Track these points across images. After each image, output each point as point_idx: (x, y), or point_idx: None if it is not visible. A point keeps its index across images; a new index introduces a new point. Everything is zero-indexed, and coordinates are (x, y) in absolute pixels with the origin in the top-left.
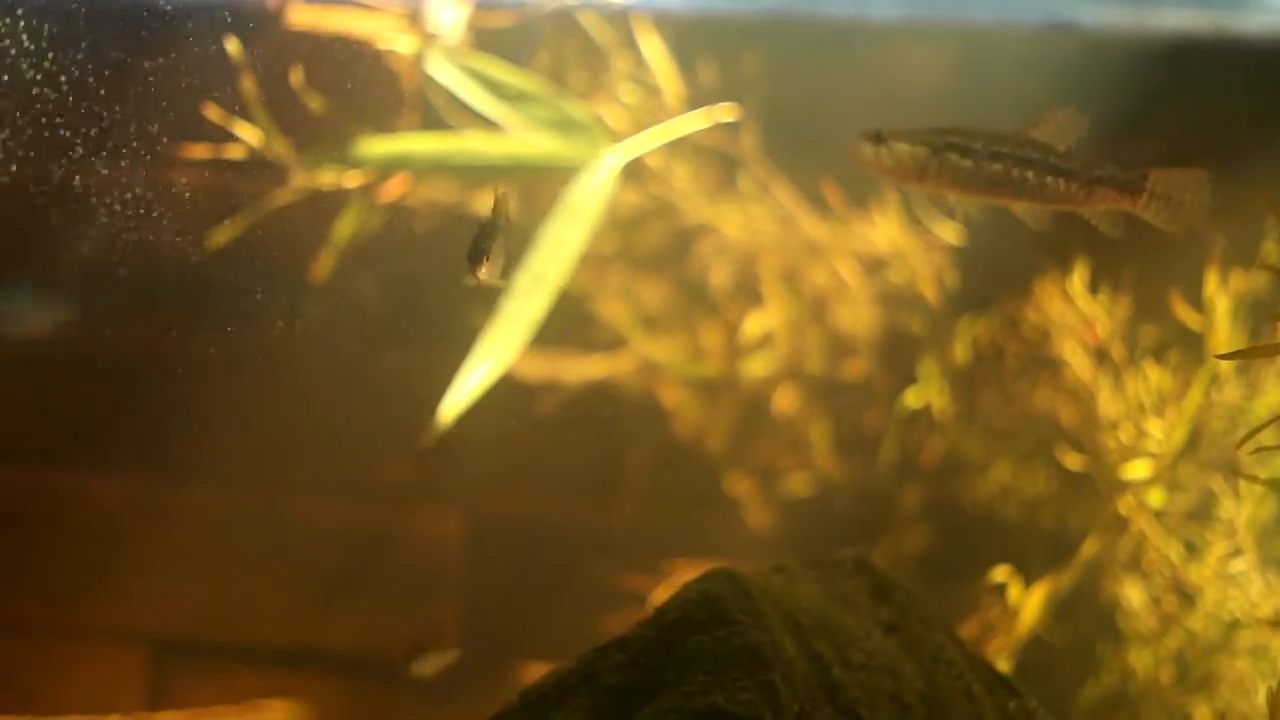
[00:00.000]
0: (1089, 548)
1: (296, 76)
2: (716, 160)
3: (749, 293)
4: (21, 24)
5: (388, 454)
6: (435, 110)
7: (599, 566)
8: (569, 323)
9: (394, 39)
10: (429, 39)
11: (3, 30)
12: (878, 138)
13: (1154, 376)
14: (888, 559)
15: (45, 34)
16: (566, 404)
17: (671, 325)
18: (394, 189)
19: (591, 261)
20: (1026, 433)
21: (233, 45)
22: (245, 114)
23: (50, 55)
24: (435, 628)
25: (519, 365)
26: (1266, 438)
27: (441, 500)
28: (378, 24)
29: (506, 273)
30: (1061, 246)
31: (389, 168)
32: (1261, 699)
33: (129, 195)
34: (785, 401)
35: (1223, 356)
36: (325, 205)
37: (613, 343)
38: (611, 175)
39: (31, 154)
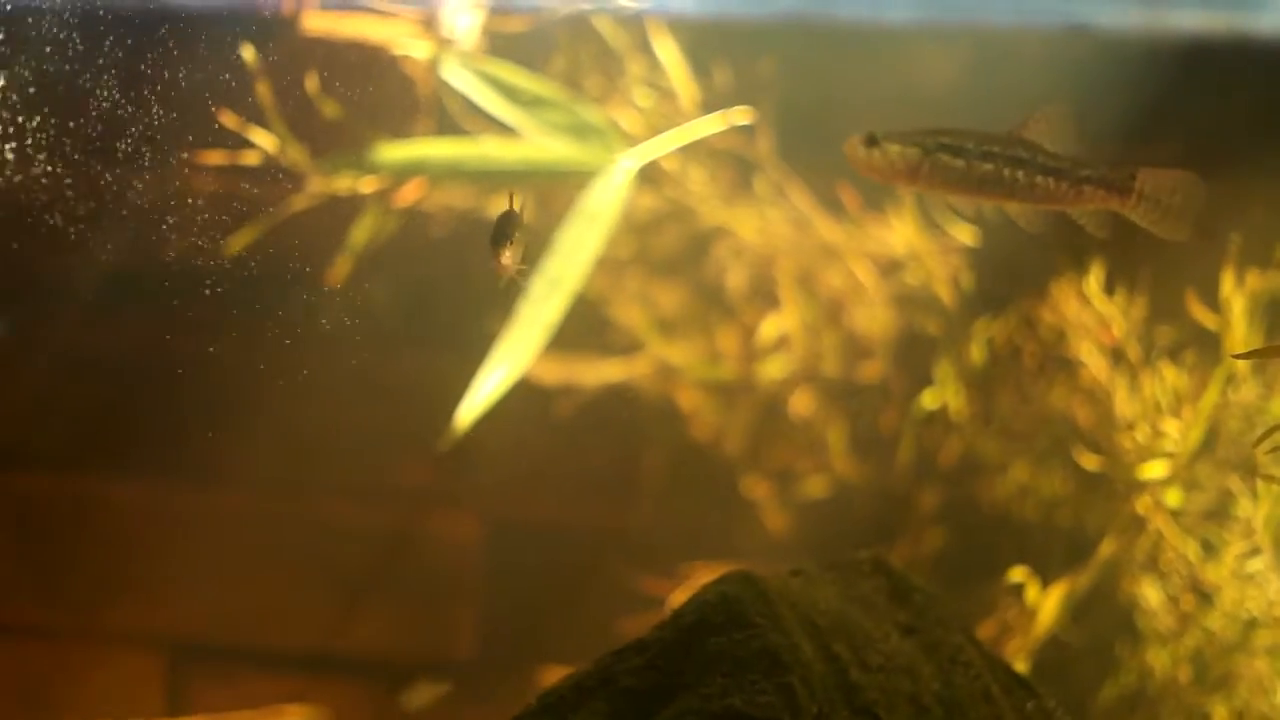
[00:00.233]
0: (1106, 548)
1: (312, 82)
2: (732, 163)
3: (765, 295)
4: (37, 29)
5: (405, 458)
6: (450, 115)
7: (617, 569)
8: (585, 326)
9: (409, 44)
10: (444, 44)
11: (16, 34)
12: (871, 140)
13: (1170, 376)
14: (905, 560)
15: (59, 39)
16: (583, 407)
17: (688, 328)
18: (409, 194)
19: (608, 265)
20: (1043, 433)
21: (248, 51)
22: (261, 120)
23: (64, 61)
24: (452, 631)
25: (536, 369)
26: None
27: (459, 504)
28: (393, 29)
29: (526, 267)
30: (1077, 247)
31: (404, 173)
32: None
33: (145, 201)
34: (802, 404)
35: (1239, 356)
36: (341, 211)
37: (629, 346)
38: (627, 179)
39: (48, 160)
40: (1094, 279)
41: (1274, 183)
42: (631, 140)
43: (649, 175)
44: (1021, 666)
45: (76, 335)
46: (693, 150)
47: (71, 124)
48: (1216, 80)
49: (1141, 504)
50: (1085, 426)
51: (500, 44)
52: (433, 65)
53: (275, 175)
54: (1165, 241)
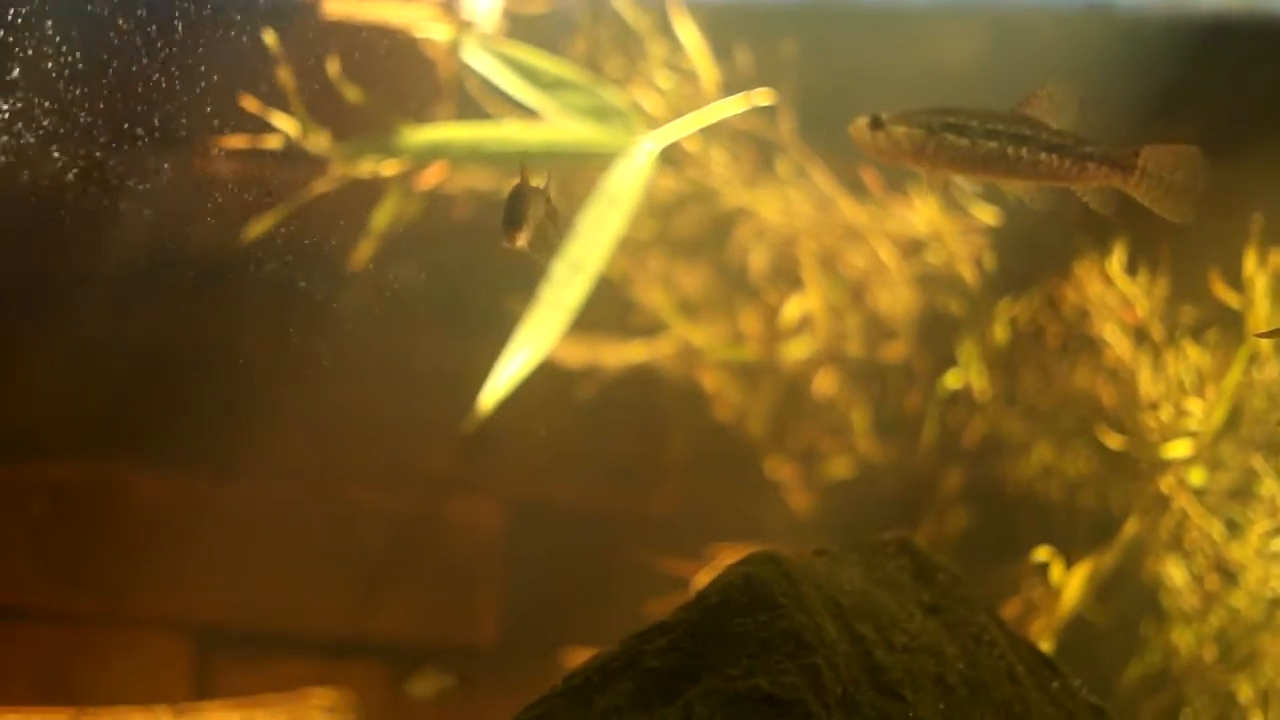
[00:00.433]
0: (1131, 527)
1: (333, 66)
2: (754, 145)
3: (788, 276)
4: (58, 14)
5: (428, 442)
6: (472, 98)
7: (640, 551)
8: (608, 308)
9: (430, 27)
10: (464, 27)
11: (39, 20)
12: (876, 122)
13: (1194, 356)
14: (929, 540)
15: (81, 24)
16: (607, 389)
17: (711, 309)
18: (431, 177)
19: (630, 247)
20: (1067, 413)
21: (269, 36)
22: (282, 104)
23: (86, 46)
24: (476, 615)
25: (559, 351)
26: None
27: (482, 488)
28: (413, 13)
29: (543, 244)
30: (1099, 227)
31: (426, 156)
32: None
33: (166, 187)
34: (825, 384)
35: (1263, 335)
36: (363, 194)
37: (652, 328)
38: (649, 161)
39: (72, 146)
40: (1117, 258)
41: None
42: (653, 122)
43: (671, 157)
44: (1046, 646)
45: (100, 323)
46: (714, 132)
47: (93, 109)
48: (1237, 59)
49: (1165, 483)
50: (1109, 406)
51: (521, 26)
52: (453, 48)
53: (297, 159)
54: (1188, 221)
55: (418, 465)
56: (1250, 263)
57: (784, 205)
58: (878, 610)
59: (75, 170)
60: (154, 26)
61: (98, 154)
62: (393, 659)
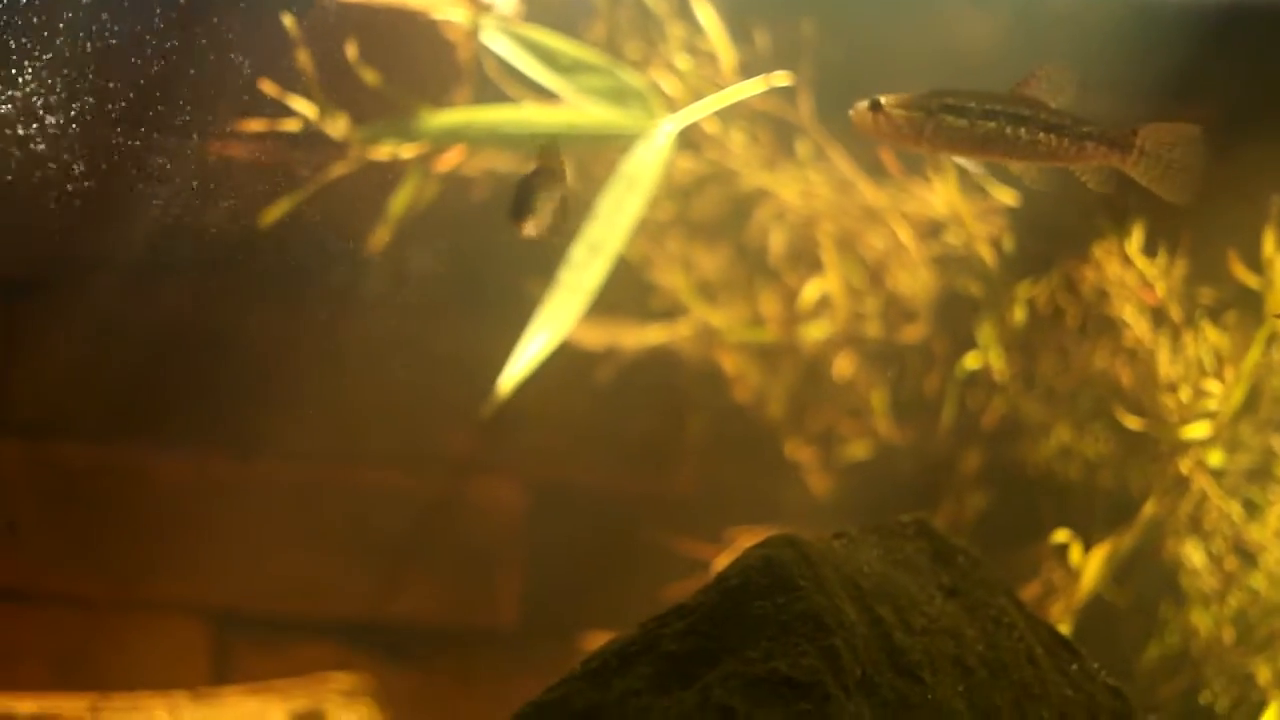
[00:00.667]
0: (1149, 509)
1: (351, 49)
2: (773, 126)
3: (807, 258)
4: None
5: (448, 425)
6: (491, 81)
7: (660, 534)
8: (628, 290)
9: (448, 10)
10: (483, 9)
11: (57, 6)
12: (875, 105)
13: (1212, 337)
14: (948, 522)
15: (100, 8)
16: (626, 372)
17: (730, 291)
18: (450, 160)
19: (649, 229)
20: (1086, 394)
21: (288, 19)
22: (301, 87)
23: (106, 30)
24: (496, 598)
25: (578, 334)
26: None
27: (502, 471)
28: None
29: (557, 228)
30: (1118, 208)
31: (445, 139)
32: None
33: (186, 170)
34: (844, 366)
35: None
36: (382, 177)
37: (672, 310)
38: (668, 143)
39: (89, 130)
40: (1135, 239)
41: None
42: (672, 104)
43: (690, 139)
44: (1065, 628)
45: (117, 305)
46: (734, 113)
47: (111, 94)
48: (1255, 42)
49: (1184, 464)
50: (1128, 387)
51: (539, 9)
52: (472, 31)
53: (316, 143)
54: (1207, 202)
55: (437, 448)
56: (1269, 244)
57: (803, 187)
58: (897, 592)
59: (91, 155)
60: (171, 9)
61: (113, 138)
62: (413, 642)
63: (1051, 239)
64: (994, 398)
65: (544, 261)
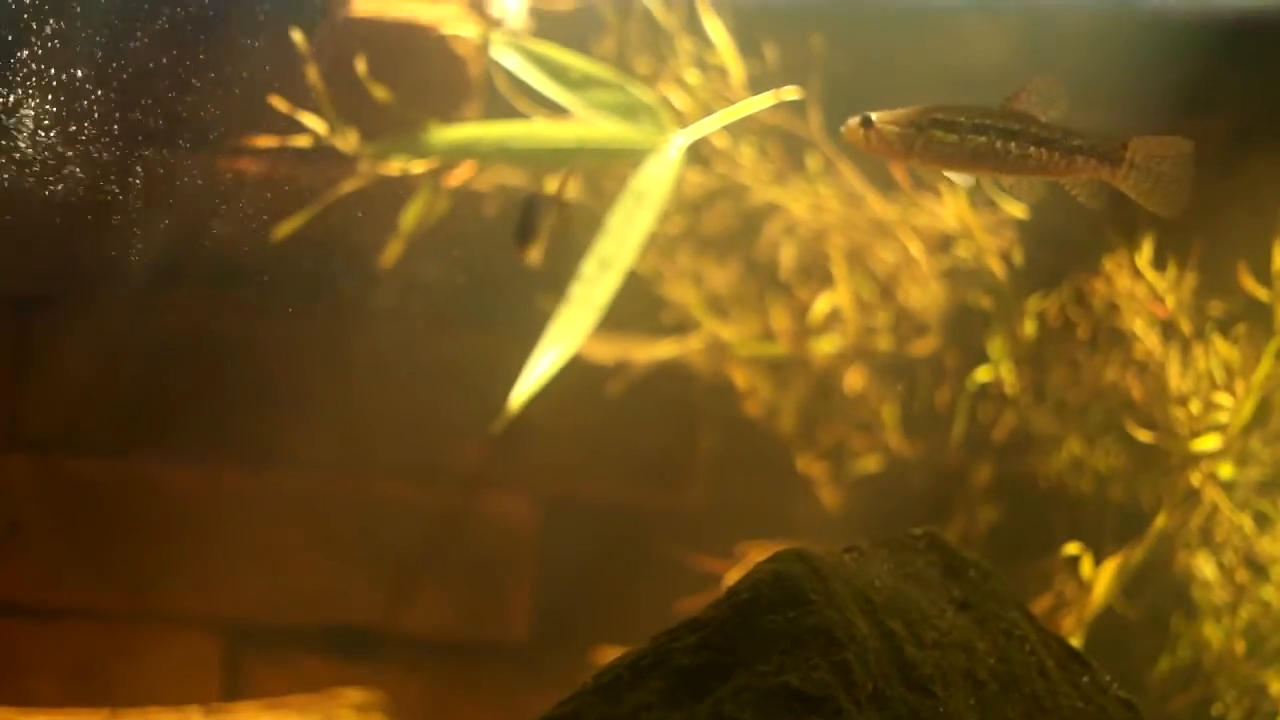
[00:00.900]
0: (1160, 521)
1: (361, 65)
2: (783, 140)
3: (818, 272)
4: (88, 15)
5: (459, 438)
6: (501, 96)
7: (671, 548)
8: (639, 305)
9: (458, 25)
10: (493, 25)
11: (70, 21)
12: (866, 121)
13: (1223, 350)
14: (959, 535)
15: (111, 25)
16: (637, 386)
17: (741, 305)
18: (461, 175)
19: (660, 243)
20: (1097, 407)
21: (297, 35)
22: (311, 103)
23: (117, 45)
24: (507, 612)
25: (589, 348)
26: None
27: (513, 484)
28: (441, 11)
29: (557, 251)
30: (1128, 220)
31: (455, 155)
32: None
33: (198, 185)
34: (855, 380)
35: None
36: (393, 192)
37: (682, 324)
38: (678, 158)
39: (102, 144)
40: (1145, 253)
41: None
42: (682, 119)
43: (700, 153)
44: (1076, 641)
45: (128, 319)
46: (743, 128)
47: (119, 107)
48: (1268, 54)
49: (1195, 477)
50: (1138, 400)
51: (549, 24)
52: (482, 46)
53: (326, 158)
54: (1217, 214)
55: (449, 461)
56: (1279, 256)
57: (813, 201)
58: (908, 606)
59: (102, 171)
60: (182, 25)
61: (124, 154)
62: (425, 657)
63: (1061, 252)
64: (1005, 411)
65: (555, 276)
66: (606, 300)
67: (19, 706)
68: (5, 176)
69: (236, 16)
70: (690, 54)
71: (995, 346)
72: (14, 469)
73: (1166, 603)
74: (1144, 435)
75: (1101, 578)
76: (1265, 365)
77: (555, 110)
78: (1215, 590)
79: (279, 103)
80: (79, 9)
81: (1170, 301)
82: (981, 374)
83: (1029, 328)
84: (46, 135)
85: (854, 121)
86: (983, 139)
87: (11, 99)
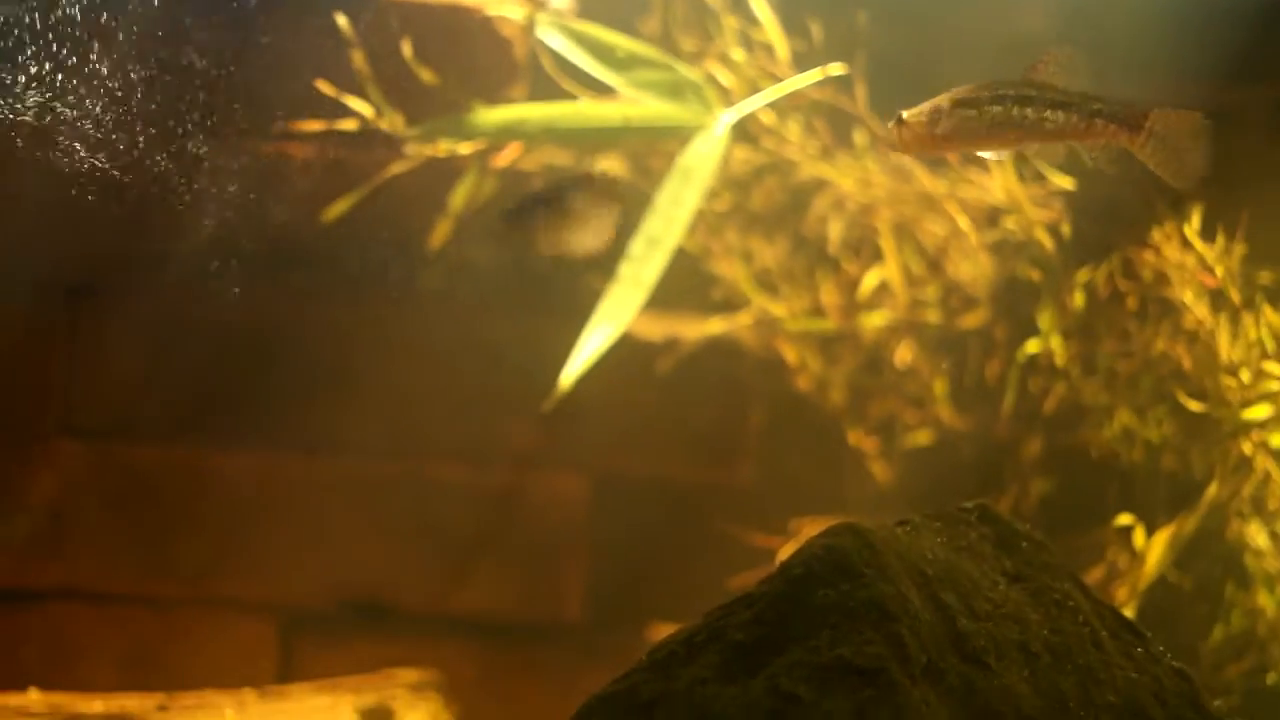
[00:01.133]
0: (1212, 490)
1: (407, 47)
2: (830, 116)
3: (866, 246)
4: (135, 3)
5: (511, 418)
6: (546, 76)
7: (723, 524)
8: (688, 282)
9: (504, 6)
10: (538, 5)
11: (115, 7)
12: (899, 120)
13: (1272, 318)
14: (1011, 507)
15: (158, 13)
16: (687, 363)
17: (790, 281)
18: (508, 155)
19: (708, 220)
20: (1147, 377)
21: (342, 19)
22: (357, 87)
23: (163, 34)
24: (561, 590)
25: (638, 326)
26: None
27: (566, 463)
28: None
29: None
30: (1176, 191)
31: (501, 136)
32: None
33: (246, 169)
34: (905, 354)
35: None
36: (440, 174)
37: (732, 300)
38: (724, 135)
39: (151, 130)
40: (1194, 223)
41: None
42: (728, 96)
43: (747, 130)
44: (1129, 611)
45: (180, 305)
46: (789, 104)
47: (167, 93)
48: None
49: (1246, 446)
50: (1188, 370)
51: (594, 3)
52: (528, 27)
53: (373, 141)
54: (1265, 184)
55: (501, 442)
56: None
57: (861, 176)
58: (960, 578)
59: (151, 156)
60: (227, 11)
61: (172, 139)
62: (479, 637)
63: (1110, 223)
64: (1055, 382)
65: (604, 255)
66: (655, 278)
67: (75, 691)
68: (53, 165)
69: (283, 2)
70: (735, 31)
71: (1044, 318)
72: (67, 456)
73: (1219, 572)
74: (1195, 405)
75: (1154, 548)
76: None
77: (601, 90)
78: (1268, 559)
79: (325, 87)
80: None
81: (1219, 271)
82: (1031, 346)
83: (1078, 299)
84: (93, 124)
85: (890, 125)
86: (999, 109)
87: (58, 88)
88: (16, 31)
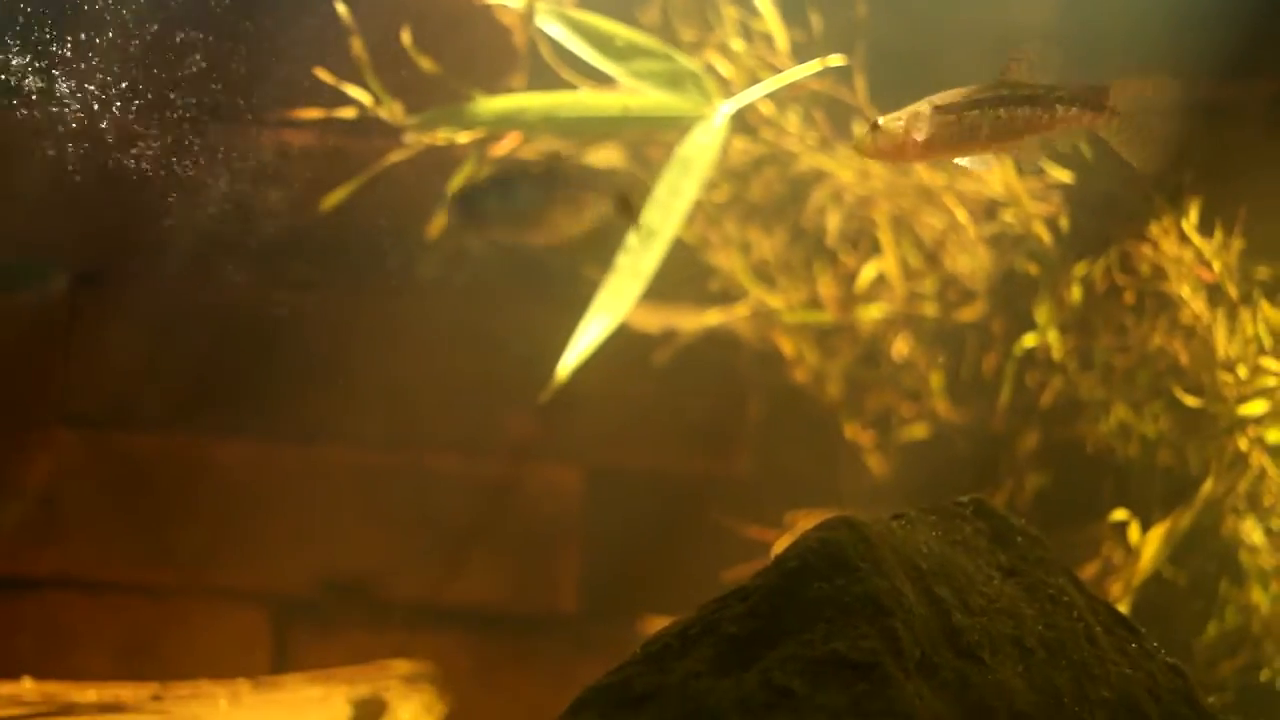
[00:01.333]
0: (1208, 486)
1: (406, 35)
2: (829, 107)
3: (864, 239)
4: None
5: (507, 409)
6: (545, 66)
7: (719, 517)
8: (685, 273)
9: None
10: None
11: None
12: (874, 127)
13: (1269, 314)
14: (1007, 502)
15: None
16: (684, 354)
17: (787, 273)
18: (506, 145)
19: (706, 211)
20: (1144, 372)
21: (341, 6)
22: (356, 75)
23: (161, 21)
24: (555, 582)
25: (635, 317)
26: None
27: (561, 454)
28: None
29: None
30: (1174, 185)
31: (500, 124)
32: None
33: (245, 157)
34: (902, 346)
35: None
36: (439, 163)
37: (729, 292)
38: (723, 126)
39: (150, 119)
40: (1191, 217)
41: None
42: (727, 87)
43: (746, 121)
44: (1124, 607)
45: (177, 294)
46: (790, 94)
47: (165, 82)
48: None
49: (1242, 442)
50: (1185, 365)
51: None
52: (527, 15)
53: (371, 130)
54: (1263, 178)
55: (496, 432)
56: None
57: (859, 168)
58: (955, 573)
59: (149, 145)
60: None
61: (170, 128)
62: (473, 628)
63: (1108, 217)
64: (1052, 376)
65: (601, 245)
66: (653, 269)
67: (69, 680)
68: (51, 153)
69: None
70: (735, 21)
71: (1042, 312)
72: (63, 444)
73: (1214, 568)
74: (1191, 400)
75: (1149, 543)
76: None
77: (600, 79)
78: (1263, 555)
79: (325, 75)
80: None
81: (1216, 266)
82: (1028, 340)
83: (1075, 293)
84: (92, 112)
85: (865, 131)
86: (976, 113)
87: (58, 77)
88: (12, 18)
